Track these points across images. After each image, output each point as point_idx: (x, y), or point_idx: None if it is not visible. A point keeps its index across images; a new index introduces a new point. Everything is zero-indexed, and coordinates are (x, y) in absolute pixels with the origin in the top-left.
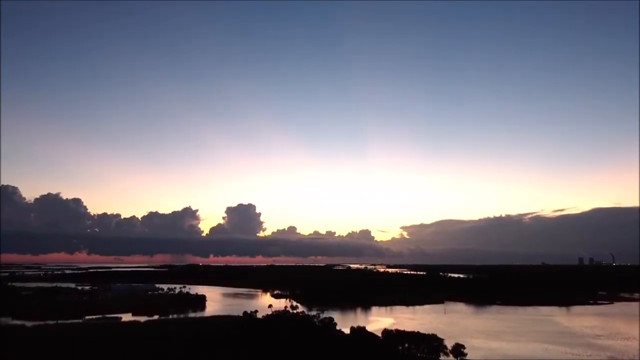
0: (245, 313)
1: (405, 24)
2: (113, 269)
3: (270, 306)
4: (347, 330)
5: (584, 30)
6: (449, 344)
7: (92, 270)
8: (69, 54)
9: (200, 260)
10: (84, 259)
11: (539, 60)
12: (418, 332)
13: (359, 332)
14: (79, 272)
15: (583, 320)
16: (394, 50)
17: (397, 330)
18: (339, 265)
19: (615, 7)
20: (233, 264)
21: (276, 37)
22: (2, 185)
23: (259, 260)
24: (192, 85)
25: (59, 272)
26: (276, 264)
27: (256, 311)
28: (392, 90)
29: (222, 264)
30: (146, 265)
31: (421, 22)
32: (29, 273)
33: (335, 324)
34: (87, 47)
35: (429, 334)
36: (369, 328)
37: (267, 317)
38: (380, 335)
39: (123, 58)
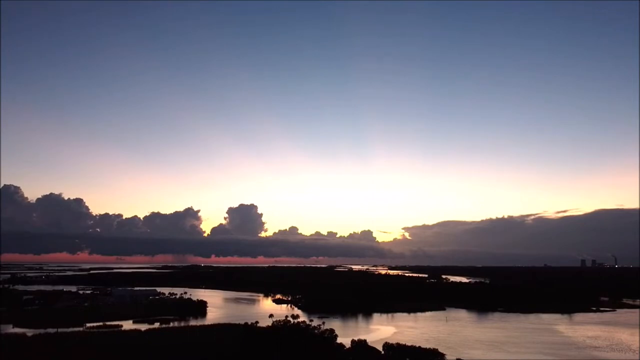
0: (246, 324)
1: (407, 26)
2: (114, 270)
3: (271, 316)
4: (348, 342)
5: (584, 31)
6: (450, 357)
7: (93, 271)
8: (70, 54)
9: (202, 261)
10: (85, 259)
11: (540, 61)
12: (419, 346)
13: (360, 346)
14: (81, 274)
15: (585, 329)
16: (397, 52)
17: (398, 344)
18: (340, 266)
19: (615, 7)
20: (234, 265)
21: (279, 39)
22: (4, 185)
23: (261, 261)
24: (194, 86)
25: (61, 274)
26: (277, 265)
27: (257, 322)
28: (394, 91)
29: (224, 265)
30: (148, 265)
31: (423, 25)
32: (31, 275)
33: (336, 336)
34: (89, 47)
35: (430, 349)
36: (370, 338)
37: (268, 328)
38: (381, 348)
39: (126, 59)
